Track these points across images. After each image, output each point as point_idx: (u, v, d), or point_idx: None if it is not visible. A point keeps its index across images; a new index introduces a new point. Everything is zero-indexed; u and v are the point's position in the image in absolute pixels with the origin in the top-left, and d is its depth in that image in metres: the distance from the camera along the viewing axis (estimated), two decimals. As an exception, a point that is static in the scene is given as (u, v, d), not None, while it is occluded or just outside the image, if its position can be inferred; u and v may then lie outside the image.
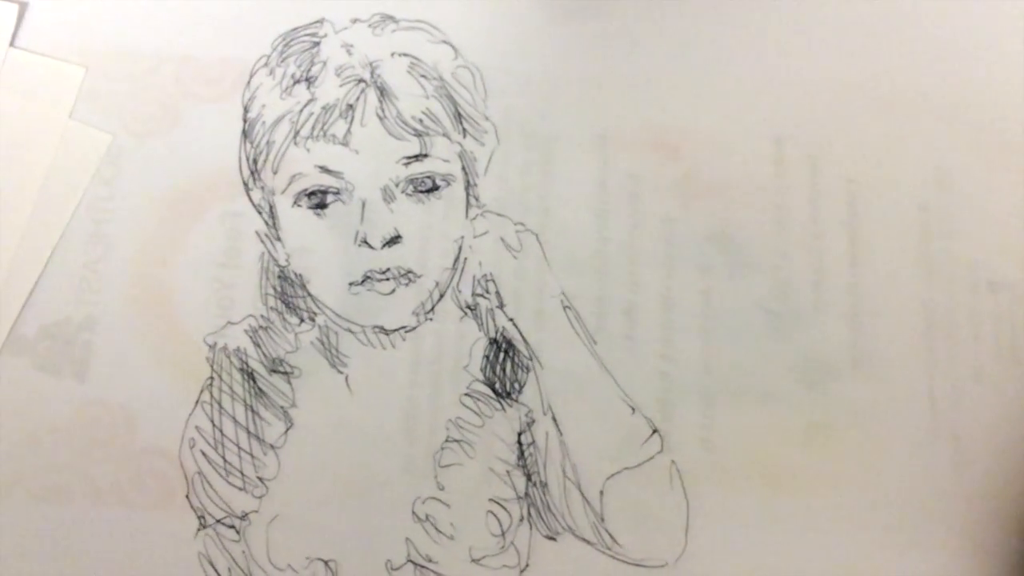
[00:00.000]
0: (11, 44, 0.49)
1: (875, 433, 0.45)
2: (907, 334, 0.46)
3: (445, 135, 0.46)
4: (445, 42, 0.48)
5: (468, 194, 0.46)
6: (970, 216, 0.48)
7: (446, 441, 0.44)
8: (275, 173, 0.46)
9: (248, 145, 0.47)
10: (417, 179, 0.46)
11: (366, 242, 0.45)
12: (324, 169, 0.45)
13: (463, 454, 0.44)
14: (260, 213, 0.46)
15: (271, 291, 0.46)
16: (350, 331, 0.45)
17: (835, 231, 0.47)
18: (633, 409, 0.44)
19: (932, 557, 0.44)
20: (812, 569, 0.44)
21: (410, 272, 0.45)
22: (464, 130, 0.46)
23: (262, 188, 0.46)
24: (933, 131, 0.49)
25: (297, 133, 0.45)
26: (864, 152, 0.48)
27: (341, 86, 0.46)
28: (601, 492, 0.43)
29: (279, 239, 0.46)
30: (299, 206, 0.46)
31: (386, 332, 0.45)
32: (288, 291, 0.46)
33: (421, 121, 0.46)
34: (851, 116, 0.49)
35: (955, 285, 0.47)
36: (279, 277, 0.46)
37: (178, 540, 0.43)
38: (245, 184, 0.47)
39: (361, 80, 0.46)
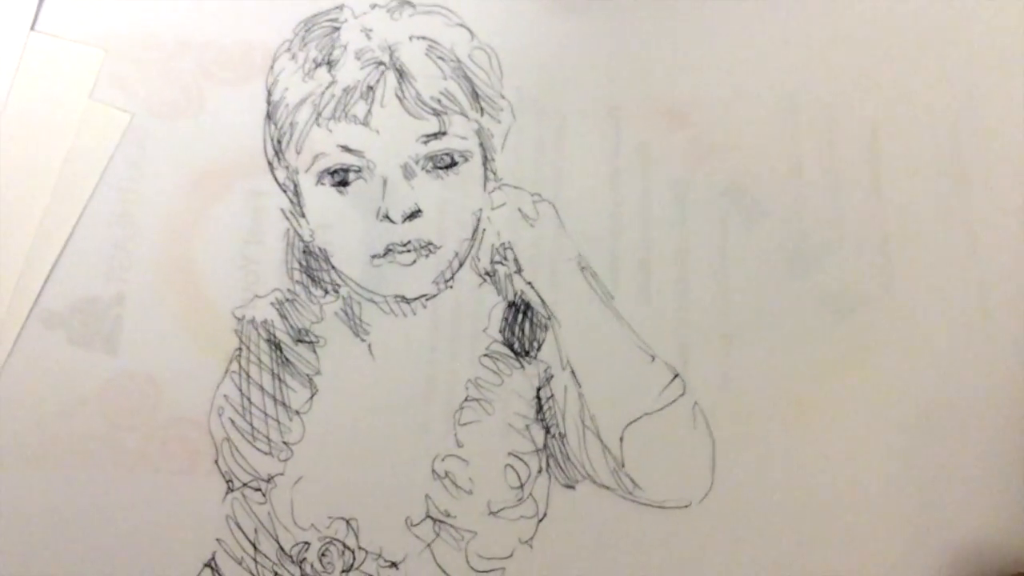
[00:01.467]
0: (32, 28, 0.51)
1: (917, 354, 0.46)
2: (946, 252, 0.47)
3: (462, 113, 0.48)
4: (461, 25, 0.50)
5: (486, 169, 0.48)
6: (1005, 129, 0.49)
7: (465, 400, 0.45)
8: (298, 153, 0.47)
9: (272, 126, 0.48)
10: (436, 156, 0.47)
11: (387, 217, 0.47)
12: (346, 148, 0.47)
13: (482, 411, 0.45)
14: (285, 191, 0.48)
15: (296, 265, 0.47)
16: (372, 301, 0.46)
17: (856, 164, 0.48)
18: (653, 358, 0.45)
19: (984, 482, 0.45)
20: (846, 500, 0.44)
21: (430, 244, 0.47)
22: (481, 108, 0.48)
23: (286, 167, 0.48)
24: (960, 52, 0.50)
25: (319, 114, 0.47)
26: (886, 89, 0.50)
27: (361, 69, 0.48)
28: (621, 439, 0.44)
29: (303, 216, 0.47)
30: (322, 184, 0.47)
31: (407, 301, 0.46)
32: (313, 265, 0.47)
33: (439, 101, 0.47)
34: (870, 58, 0.50)
35: (994, 196, 0.48)
36: (304, 252, 0.47)
37: (206, 503, 0.44)
38: (270, 164, 0.48)
39: (380, 63, 0.47)
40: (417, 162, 0.47)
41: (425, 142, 0.47)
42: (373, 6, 0.50)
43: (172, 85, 0.50)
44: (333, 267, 0.47)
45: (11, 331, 0.47)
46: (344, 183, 0.47)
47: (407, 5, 0.50)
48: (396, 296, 0.47)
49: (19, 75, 0.50)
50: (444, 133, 0.47)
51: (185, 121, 0.49)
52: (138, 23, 0.51)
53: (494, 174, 0.48)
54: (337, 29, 0.49)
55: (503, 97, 0.49)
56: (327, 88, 0.47)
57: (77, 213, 0.48)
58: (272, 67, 0.49)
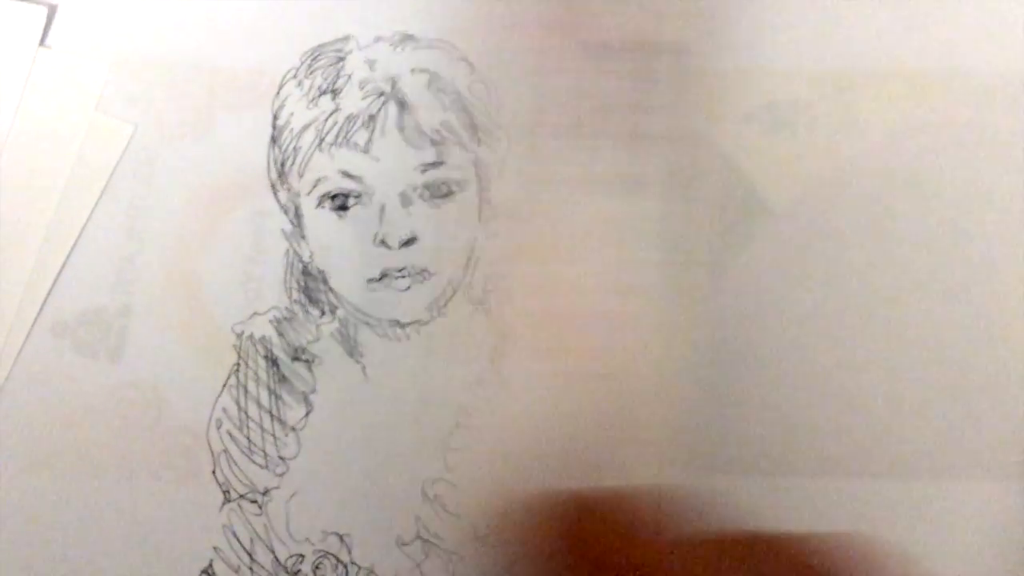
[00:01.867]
0: (41, 44, 0.52)
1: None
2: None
3: (460, 145, 0.50)
4: (462, 59, 0.52)
5: (481, 200, 0.50)
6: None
7: (456, 426, 0.47)
8: (301, 176, 0.49)
9: (276, 150, 0.50)
10: (433, 185, 0.49)
11: (384, 243, 0.49)
12: (346, 174, 0.49)
13: (471, 439, 0.47)
14: (286, 213, 0.50)
15: (295, 285, 0.49)
16: (368, 324, 0.49)
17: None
18: None
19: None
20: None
21: (425, 270, 0.49)
22: (479, 139, 0.50)
23: (288, 189, 0.50)
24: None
25: (322, 140, 0.49)
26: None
27: (364, 99, 0.50)
28: None
29: (303, 237, 0.49)
30: (323, 207, 0.49)
31: (401, 326, 0.49)
32: (311, 285, 0.49)
33: (438, 132, 0.49)
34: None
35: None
36: (303, 272, 0.49)
37: (204, 512, 0.47)
38: (272, 186, 0.50)
39: (382, 93, 0.50)
40: (415, 190, 0.49)
41: (423, 171, 0.49)
42: (377, 39, 0.51)
43: (180, 105, 0.51)
44: (331, 288, 0.49)
45: (18, 339, 0.49)
46: (344, 207, 0.49)
47: (409, 39, 0.51)
48: (391, 320, 0.49)
49: (28, 89, 0.52)
50: (442, 163, 0.49)
51: (193, 142, 0.51)
52: (146, 43, 0.52)
53: (489, 203, 0.50)
54: (342, 59, 0.51)
55: (500, 127, 0.51)
56: (330, 115, 0.49)
57: (83, 222, 0.50)
58: (278, 92, 0.51)
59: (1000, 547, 0.49)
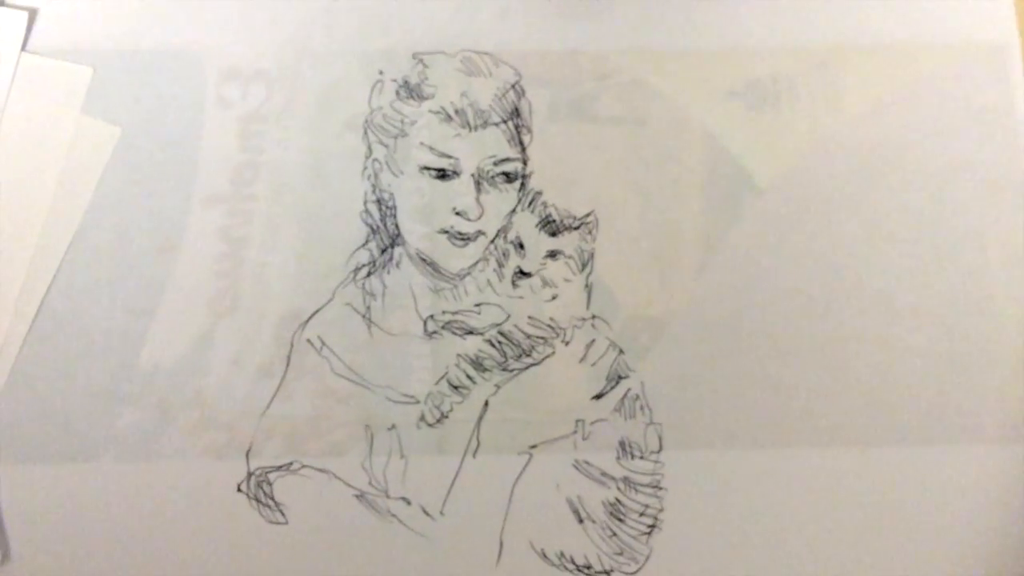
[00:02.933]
0: (23, 49, 0.53)
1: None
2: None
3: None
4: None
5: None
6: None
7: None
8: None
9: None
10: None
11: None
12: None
13: None
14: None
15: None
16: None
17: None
18: None
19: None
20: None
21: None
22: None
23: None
24: None
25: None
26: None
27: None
28: None
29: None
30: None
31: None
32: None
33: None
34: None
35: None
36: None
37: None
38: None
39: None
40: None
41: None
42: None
43: (168, 104, 0.54)
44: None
45: (15, 343, 0.51)
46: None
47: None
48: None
49: (12, 95, 0.52)
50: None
51: (181, 139, 0.53)
52: (131, 42, 0.53)
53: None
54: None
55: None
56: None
57: (74, 227, 0.51)
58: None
59: (993, 507, 0.50)
